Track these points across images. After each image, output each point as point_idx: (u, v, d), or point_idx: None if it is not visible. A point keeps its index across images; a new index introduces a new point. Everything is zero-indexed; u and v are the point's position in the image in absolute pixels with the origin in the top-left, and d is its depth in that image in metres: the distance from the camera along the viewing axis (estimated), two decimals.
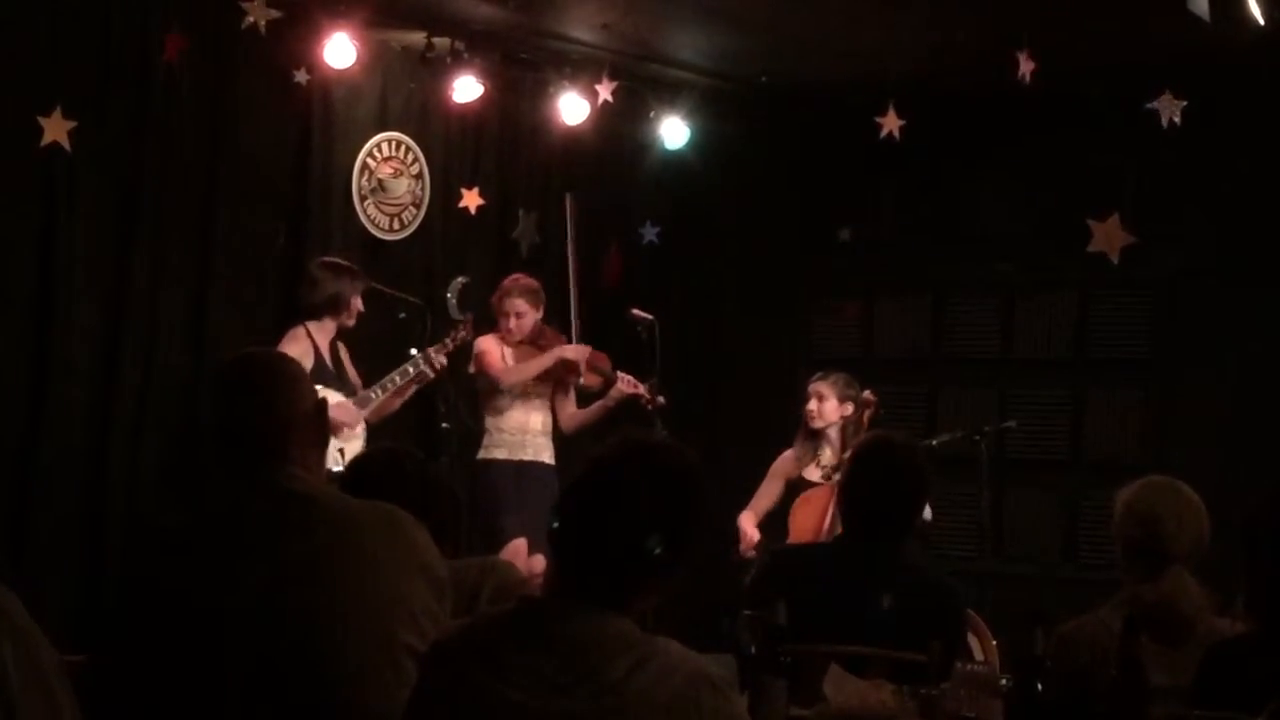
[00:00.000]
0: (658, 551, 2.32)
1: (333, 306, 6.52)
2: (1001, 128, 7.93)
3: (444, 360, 6.69)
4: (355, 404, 6.51)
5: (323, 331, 6.53)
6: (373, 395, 6.57)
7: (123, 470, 6.55)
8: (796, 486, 6.73)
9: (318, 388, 6.20)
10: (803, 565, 4.06)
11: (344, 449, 6.35)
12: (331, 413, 6.22)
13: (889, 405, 7.19)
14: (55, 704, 2.12)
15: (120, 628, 2.64)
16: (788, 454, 6.84)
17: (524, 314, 6.93)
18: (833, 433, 6.73)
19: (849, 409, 6.73)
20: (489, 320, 7.03)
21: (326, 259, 6.71)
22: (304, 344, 6.42)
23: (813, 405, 6.73)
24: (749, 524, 6.71)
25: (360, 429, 6.53)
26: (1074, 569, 7.66)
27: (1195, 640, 3.43)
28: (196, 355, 6.73)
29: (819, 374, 6.85)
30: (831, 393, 6.73)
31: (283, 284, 7.04)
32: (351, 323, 6.59)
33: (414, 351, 6.65)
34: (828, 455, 6.71)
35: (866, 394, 6.79)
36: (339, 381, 6.52)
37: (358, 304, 6.58)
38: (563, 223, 7.55)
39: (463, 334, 6.84)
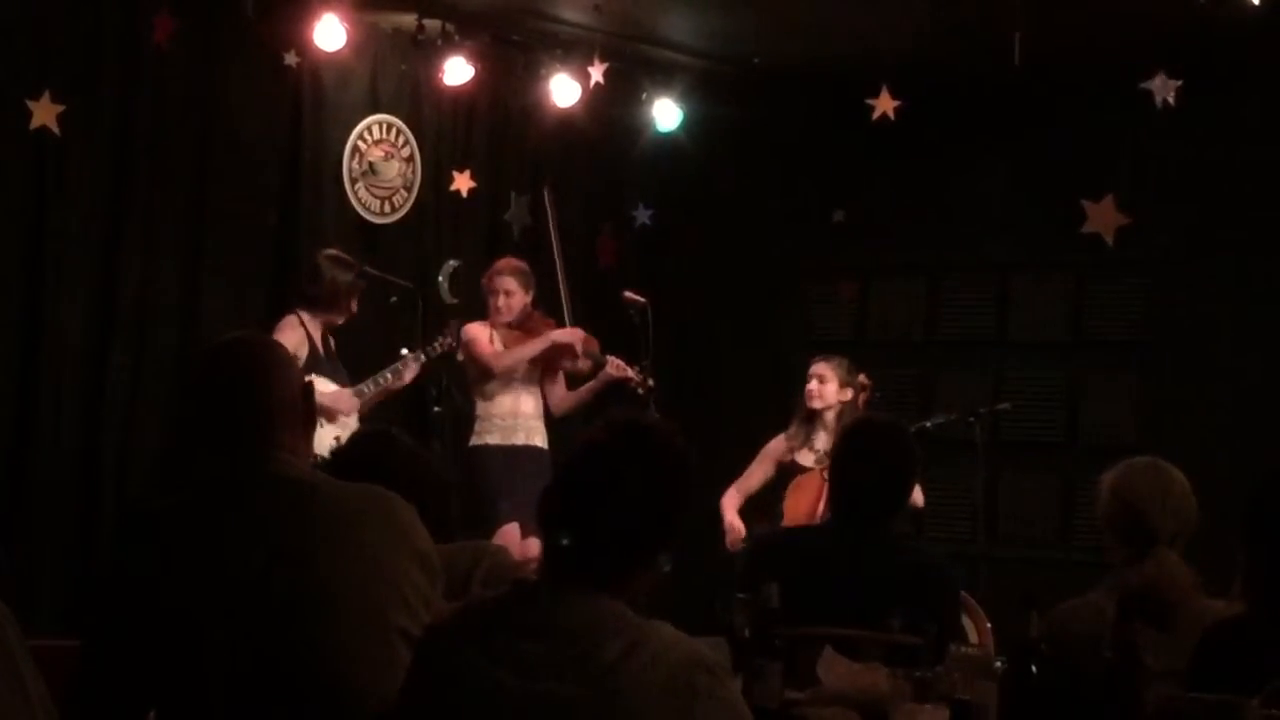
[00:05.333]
0: (648, 532, 2.31)
1: (331, 301, 6.42)
2: (996, 109, 7.91)
3: (416, 371, 6.63)
4: (353, 394, 6.48)
5: (315, 322, 6.47)
6: (365, 390, 6.54)
7: (114, 453, 6.55)
8: (789, 471, 6.72)
9: (313, 376, 6.30)
10: (794, 547, 4.05)
11: (339, 437, 6.33)
12: (329, 400, 6.29)
13: (884, 387, 7.18)
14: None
15: (110, 612, 2.62)
16: (781, 436, 6.83)
17: (513, 293, 6.89)
18: (829, 417, 6.71)
19: (848, 394, 6.72)
20: (479, 305, 7.00)
21: (332, 252, 6.55)
22: (299, 332, 6.37)
23: (814, 385, 6.71)
24: (732, 514, 6.70)
25: (354, 419, 6.49)
26: (1069, 551, 7.64)
27: (1185, 622, 3.40)
28: (188, 337, 6.71)
29: (820, 355, 6.83)
30: (834, 375, 6.72)
31: (273, 266, 7.02)
32: (341, 321, 6.51)
33: (405, 351, 6.61)
34: (822, 439, 6.69)
35: (861, 378, 6.78)
36: (333, 371, 6.48)
37: (354, 306, 6.51)
38: (543, 212, 7.50)
39: (448, 340, 6.77)
